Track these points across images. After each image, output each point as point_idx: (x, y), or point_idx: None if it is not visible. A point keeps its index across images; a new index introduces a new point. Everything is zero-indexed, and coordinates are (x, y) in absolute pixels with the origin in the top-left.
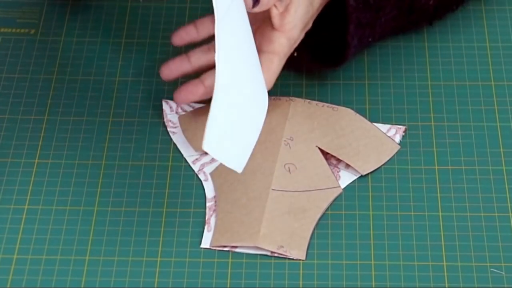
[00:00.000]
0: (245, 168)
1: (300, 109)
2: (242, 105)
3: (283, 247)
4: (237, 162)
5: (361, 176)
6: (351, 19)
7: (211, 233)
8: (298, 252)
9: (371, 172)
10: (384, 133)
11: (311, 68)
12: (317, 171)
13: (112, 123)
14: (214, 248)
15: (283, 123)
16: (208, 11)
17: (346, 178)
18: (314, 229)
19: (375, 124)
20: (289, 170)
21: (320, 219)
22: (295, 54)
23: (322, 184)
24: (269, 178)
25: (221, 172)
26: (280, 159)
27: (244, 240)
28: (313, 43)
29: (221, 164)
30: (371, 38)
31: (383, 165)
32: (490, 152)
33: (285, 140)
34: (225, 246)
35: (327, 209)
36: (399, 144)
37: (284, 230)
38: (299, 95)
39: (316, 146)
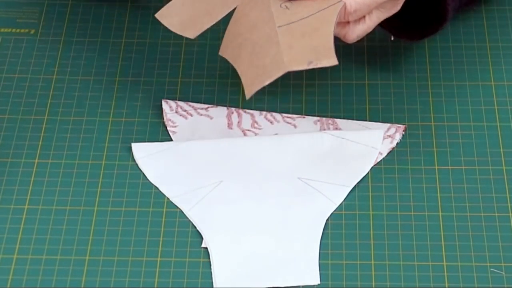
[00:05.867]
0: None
1: None
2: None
3: (312, 62)
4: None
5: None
6: None
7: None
8: (328, 60)
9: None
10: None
11: (399, 36)
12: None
13: (112, 123)
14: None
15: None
16: None
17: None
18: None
19: (374, 123)
20: (287, 7)
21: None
22: (392, 39)
23: (323, 5)
24: (271, 21)
25: (228, 43)
26: (273, 3)
27: (273, 74)
28: (403, 11)
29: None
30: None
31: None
32: (490, 152)
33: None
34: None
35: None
36: (397, 143)
37: (306, 51)
38: (299, 95)
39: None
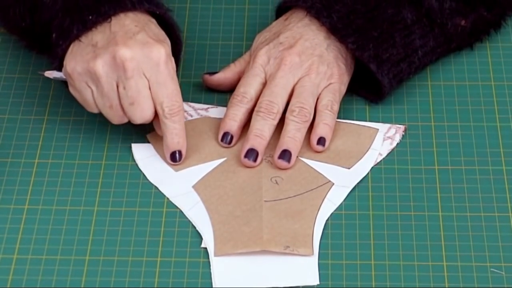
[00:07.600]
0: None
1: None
2: None
3: (289, 247)
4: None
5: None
6: (365, 59)
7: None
8: (305, 250)
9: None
10: (359, 124)
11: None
12: (304, 175)
13: None
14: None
15: None
16: (208, 11)
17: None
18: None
19: (374, 123)
20: (276, 182)
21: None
22: None
23: (312, 185)
24: (259, 192)
25: (206, 186)
26: (265, 175)
27: (249, 246)
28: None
29: (204, 177)
30: (411, 74)
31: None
32: (490, 152)
33: (265, 158)
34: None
35: (321, 204)
36: (398, 142)
37: (286, 233)
38: None
39: (296, 156)
